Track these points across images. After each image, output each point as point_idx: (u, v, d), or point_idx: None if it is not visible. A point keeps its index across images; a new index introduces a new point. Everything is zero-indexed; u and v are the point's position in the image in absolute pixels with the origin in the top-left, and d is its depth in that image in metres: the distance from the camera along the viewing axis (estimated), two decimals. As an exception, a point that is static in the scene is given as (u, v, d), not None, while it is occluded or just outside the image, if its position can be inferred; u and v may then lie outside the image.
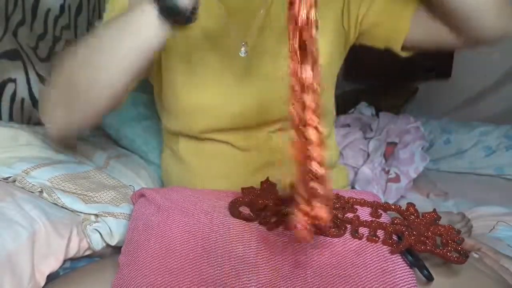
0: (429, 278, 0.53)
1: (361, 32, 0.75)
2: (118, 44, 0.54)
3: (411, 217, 0.61)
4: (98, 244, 0.70)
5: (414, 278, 0.54)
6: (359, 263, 0.56)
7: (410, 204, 0.63)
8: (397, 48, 0.71)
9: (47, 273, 0.61)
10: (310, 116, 0.46)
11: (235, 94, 0.72)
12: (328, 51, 0.74)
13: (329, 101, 0.82)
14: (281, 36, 0.69)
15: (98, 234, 0.69)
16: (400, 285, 0.52)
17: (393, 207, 0.64)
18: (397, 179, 1.11)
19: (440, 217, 0.60)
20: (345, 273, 0.54)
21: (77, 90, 0.57)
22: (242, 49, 0.72)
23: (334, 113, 0.86)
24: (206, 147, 0.78)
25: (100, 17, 1.27)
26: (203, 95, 0.73)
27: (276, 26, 0.71)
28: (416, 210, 0.61)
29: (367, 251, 0.57)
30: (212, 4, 0.72)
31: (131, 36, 0.54)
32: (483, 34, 0.62)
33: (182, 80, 0.73)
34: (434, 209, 0.62)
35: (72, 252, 0.66)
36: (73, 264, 0.69)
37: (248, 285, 0.54)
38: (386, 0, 0.70)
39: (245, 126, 0.75)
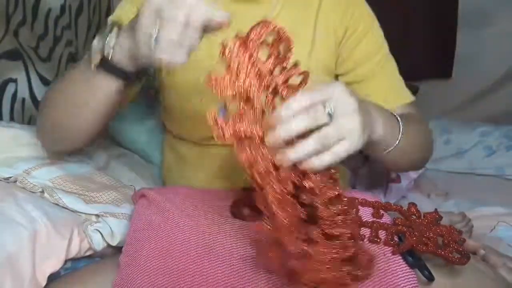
0: (430, 279, 0.53)
1: None
2: (83, 99, 0.59)
3: (412, 217, 0.61)
4: (99, 245, 0.69)
5: (416, 279, 0.54)
6: (360, 264, 0.55)
7: (412, 204, 0.62)
8: None
9: (48, 273, 0.61)
10: None
11: None
12: (322, 58, 0.74)
13: None
14: None
15: (99, 234, 0.69)
16: (402, 285, 0.52)
17: (394, 207, 0.64)
18: (397, 179, 1.10)
19: (442, 217, 0.60)
20: (347, 273, 0.54)
21: (59, 131, 0.64)
22: None
23: None
24: (208, 150, 0.78)
25: (100, 17, 1.27)
26: (204, 103, 0.73)
27: None
28: (417, 210, 0.61)
29: (369, 251, 0.57)
30: None
31: (91, 92, 0.58)
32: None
33: (184, 89, 0.74)
34: (436, 209, 0.61)
35: (73, 253, 0.66)
36: (74, 264, 0.69)
37: (250, 285, 0.55)
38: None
39: None
